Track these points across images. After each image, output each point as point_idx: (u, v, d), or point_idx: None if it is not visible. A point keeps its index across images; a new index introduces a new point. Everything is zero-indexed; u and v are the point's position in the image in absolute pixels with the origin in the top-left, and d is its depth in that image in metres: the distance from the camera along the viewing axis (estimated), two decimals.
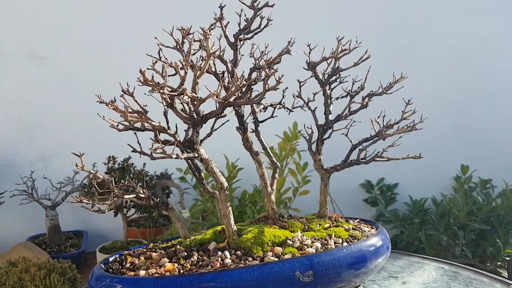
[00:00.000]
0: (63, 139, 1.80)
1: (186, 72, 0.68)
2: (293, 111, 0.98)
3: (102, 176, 0.79)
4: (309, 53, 0.89)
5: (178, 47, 0.77)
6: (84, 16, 1.78)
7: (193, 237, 0.82)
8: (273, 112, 0.94)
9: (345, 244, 0.81)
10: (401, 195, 2.12)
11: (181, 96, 0.65)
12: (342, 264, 0.76)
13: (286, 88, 0.97)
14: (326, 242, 0.80)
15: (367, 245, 0.80)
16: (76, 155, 0.73)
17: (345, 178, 2.09)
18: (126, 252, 0.82)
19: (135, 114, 0.68)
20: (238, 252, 0.76)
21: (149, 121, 0.67)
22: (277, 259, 0.74)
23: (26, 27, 1.72)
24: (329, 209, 1.88)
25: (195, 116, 0.71)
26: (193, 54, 0.83)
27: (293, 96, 0.93)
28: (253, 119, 0.92)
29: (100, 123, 0.71)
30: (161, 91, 0.63)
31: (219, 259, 0.74)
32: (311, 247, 0.78)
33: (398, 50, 2.10)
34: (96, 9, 1.79)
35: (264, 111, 0.97)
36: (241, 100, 0.71)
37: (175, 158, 0.71)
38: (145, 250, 0.82)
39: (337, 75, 0.92)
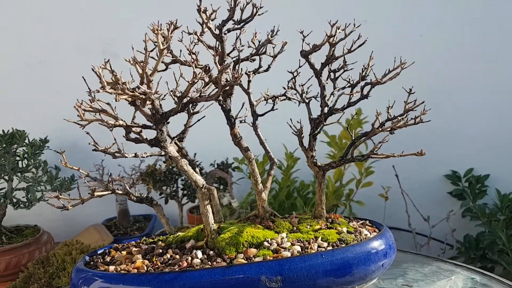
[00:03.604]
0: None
1: (143, 70, 0.68)
2: (306, 102, 0.92)
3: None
4: (303, 40, 0.82)
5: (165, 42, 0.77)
6: (151, 12, 1.86)
7: (177, 234, 0.82)
8: (274, 105, 0.90)
9: (329, 248, 0.74)
10: (493, 188, 1.89)
11: (122, 94, 0.64)
12: (319, 270, 0.70)
13: (295, 76, 0.91)
14: (308, 245, 0.75)
15: (354, 251, 0.73)
16: (58, 152, 0.77)
17: (427, 169, 1.93)
18: (115, 245, 0.85)
19: (100, 113, 0.69)
20: (211, 252, 0.74)
21: (105, 121, 0.68)
22: (246, 262, 0.71)
23: (98, 25, 1.84)
24: (401, 204, 1.76)
25: (156, 115, 0.70)
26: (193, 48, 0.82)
27: (284, 88, 0.87)
28: (252, 112, 0.88)
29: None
30: (103, 90, 0.63)
31: (189, 258, 0.73)
32: (289, 250, 0.73)
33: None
34: (163, 6, 1.86)
35: (276, 103, 0.93)
36: (200, 97, 0.69)
37: (134, 157, 0.71)
38: (134, 244, 0.84)
39: (343, 64, 0.84)
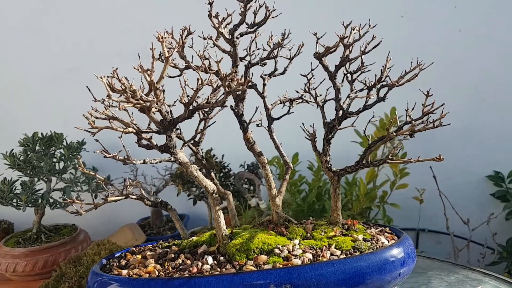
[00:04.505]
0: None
1: (150, 78, 0.68)
2: (320, 106, 0.90)
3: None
4: (317, 42, 0.80)
5: (178, 48, 0.78)
6: (183, 19, 1.88)
7: (190, 239, 0.82)
8: (290, 108, 0.88)
9: (342, 256, 0.72)
10: None
11: (128, 102, 0.65)
12: (330, 280, 0.68)
13: (309, 79, 0.89)
14: (320, 253, 0.73)
15: (368, 259, 0.70)
16: (75, 159, 0.79)
17: (468, 169, 1.86)
18: (133, 248, 0.86)
19: (109, 120, 0.71)
20: (222, 258, 0.74)
21: (115, 128, 0.69)
22: (255, 269, 0.70)
23: (132, 31, 1.88)
24: (441, 205, 1.69)
25: (164, 121, 0.70)
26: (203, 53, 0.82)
27: (297, 92, 0.86)
28: (267, 116, 0.87)
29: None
30: (109, 98, 0.64)
31: (199, 264, 0.73)
32: (300, 258, 0.72)
33: None
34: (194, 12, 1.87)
35: (292, 106, 0.91)
36: (207, 103, 0.68)
37: (143, 163, 0.72)
38: (149, 247, 0.85)
39: (360, 65, 0.81)
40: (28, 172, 1.47)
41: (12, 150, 1.49)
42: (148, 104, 0.65)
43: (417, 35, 1.76)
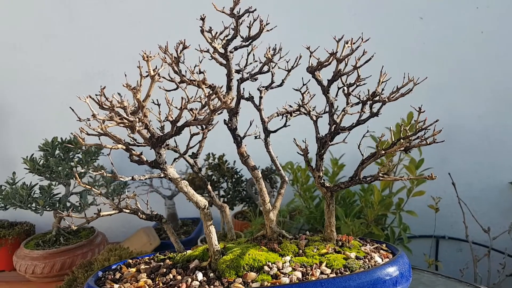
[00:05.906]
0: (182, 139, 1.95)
1: (137, 96, 0.69)
2: (321, 117, 0.88)
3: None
4: (310, 56, 0.79)
5: (173, 63, 0.78)
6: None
7: (184, 253, 0.82)
8: (286, 121, 0.87)
9: (332, 275, 0.71)
10: None
11: (115, 121, 0.65)
12: None
13: (303, 93, 0.88)
14: (310, 271, 0.72)
15: (358, 279, 0.69)
16: (74, 175, 0.80)
17: (490, 175, 1.80)
18: (129, 260, 0.87)
19: (99, 137, 0.71)
20: (212, 274, 0.74)
21: (105, 145, 0.70)
22: (242, 287, 0.70)
23: (154, 36, 1.90)
24: (459, 213, 1.64)
25: (152, 138, 0.71)
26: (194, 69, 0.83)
27: (290, 106, 0.84)
28: (263, 129, 0.86)
29: None
30: (94, 118, 0.65)
31: (189, 280, 0.73)
32: (289, 276, 0.71)
33: None
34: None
35: (289, 119, 0.90)
36: (194, 120, 0.68)
37: (131, 180, 0.73)
38: (146, 260, 0.86)
39: (356, 78, 0.80)
40: (47, 176, 1.51)
41: (33, 154, 1.53)
42: (131, 123, 0.65)
43: (436, 37, 1.71)
